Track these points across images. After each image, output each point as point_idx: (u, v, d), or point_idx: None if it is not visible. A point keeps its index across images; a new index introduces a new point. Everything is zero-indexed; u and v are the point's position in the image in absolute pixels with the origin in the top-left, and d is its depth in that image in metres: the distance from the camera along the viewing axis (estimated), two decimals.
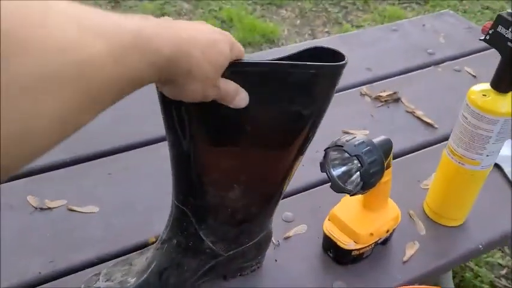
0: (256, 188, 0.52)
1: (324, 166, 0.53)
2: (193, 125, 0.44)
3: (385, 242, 0.65)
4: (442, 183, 0.67)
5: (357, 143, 0.51)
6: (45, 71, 0.23)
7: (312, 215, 0.68)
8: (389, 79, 1.00)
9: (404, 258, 0.64)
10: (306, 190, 0.73)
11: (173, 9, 2.40)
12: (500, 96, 0.57)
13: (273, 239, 0.64)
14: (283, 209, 0.69)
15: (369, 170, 0.50)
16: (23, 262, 0.60)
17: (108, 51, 0.27)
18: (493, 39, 0.55)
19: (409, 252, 0.65)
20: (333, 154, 0.53)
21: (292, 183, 0.66)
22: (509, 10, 0.54)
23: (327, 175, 0.54)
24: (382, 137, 0.55)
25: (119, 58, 0.28)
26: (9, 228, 0.63)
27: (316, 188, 0.73)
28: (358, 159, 0.50)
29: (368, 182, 0.51)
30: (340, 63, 0.44)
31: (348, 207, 0.63)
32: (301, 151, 0.50)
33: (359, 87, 0.97)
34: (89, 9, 0.28)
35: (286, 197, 0.71)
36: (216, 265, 0.56)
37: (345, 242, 0.60)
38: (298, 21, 2.42)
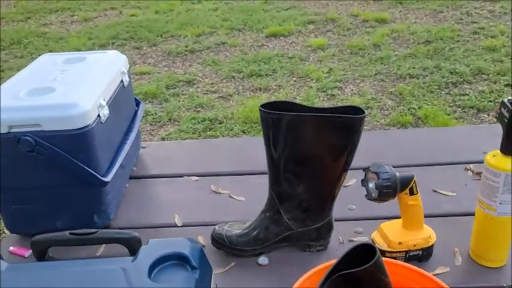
0: (315, 188, 0.86)
1: (363, 181, 0.84)
2: (280, 148, 0.83)
3: (421, 259, 0.87)
4: (475, 228, 0.86)
5: (380, 167, 0.81)
6: None
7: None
8: None
9: (431, 273, 0.85)
10: (379, 219, 1.00)
11: (376, 105, 2.81)
12: (505, 158, 0.78)
13: (340, 238, 0.95)
14: (357, 225, 0.98)
15: (382, 183, 0.79)
16: (197, 214, 1.06)
17: None
18: (499, 118, 0.78)
19: (437, 271, 0.85)
20: (369, 174, 0.83)
21: (371, 214, 0.97)
22: (511, 97, 0.76)
23: (365, 187, 0.84)
24: (407, 173, 0.82)
25: None
26: (199, 197, 1.11)
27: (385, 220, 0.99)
28: (377, 175, 0.79)
29: (381, 191, 0.79)
30: (359, 116, 0.77)
31: (392, 225, 0.89)
32: (344, 169, 0.83)
33: (467, 164, 1.17)
34: None
35: (365, 220, 1.00)
36: (290, 236, 0.91)
37: (380, 244, 0.86)
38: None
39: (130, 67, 1.23)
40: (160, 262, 0.69)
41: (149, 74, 3.47)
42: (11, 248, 0.96)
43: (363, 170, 0.84)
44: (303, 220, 0.89)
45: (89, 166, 0.93)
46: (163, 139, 2.61)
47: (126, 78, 1.15)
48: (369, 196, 0.83)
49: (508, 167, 0.77)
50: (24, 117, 0.88)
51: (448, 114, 2.67)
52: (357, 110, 0.81)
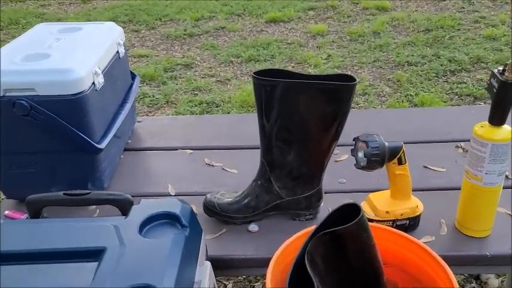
0: (306, 157, 0.87)
1: (353, 151, 0.85)
2: (272, 116, 0.83)
3: (407, 229, 0.89)
4: (461, 198, 0.88)
5: (370, 136, 0.82)
6: None
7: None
8: None
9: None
10: (368, 192, 1.01)
11: (374, 91, 2.82)
12: (493, 128, 0.79)
13: (330, 208, 0.96)
14: (347, 197, 0.99)
15: (370, 152, 0.80)
16: (190, 184, 1.07)
17: None
18: (489, 89, 0.79)
19: (423, 240, 0.87)
20: (359, 143, 0.84)
21: (361, 187, 0.98)
22: (500, 68, 0.77)
23: (354, 156, 0.85)
24: (396, 142, 0.84)
25: None
26: (192, 169, 1.13)
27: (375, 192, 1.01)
28: (366, 144, 0.81)
29: (370, 160, 0.80)
30: (351, 83, 0.78)
31: (380, 195, 0.90)
32: (334, 138, 0.84)
33: (458, 142, 1.19)
34: None
35: (355, 192, 1.02)
36: (280, 204, 0.92)
37: (368, 213, 0.88)
38: None
39: (128, 50, 1.24)
40: (151, 220, 0.70)
41: (147, 56, 3.46)
42: (6, 212, 0.98)
43: (353, 140, 0.85)
44: (293, 188, 0.91)
45: (83, 132, 0.94)
46: None
47: (121, 50, 1.15)
48: (357, 165, 0.84)
49: (495, 137, 0.79)
50: (19, 81, 0.89)
51: (445, 102, 2.67)
52: (349, 78, 0.82)
